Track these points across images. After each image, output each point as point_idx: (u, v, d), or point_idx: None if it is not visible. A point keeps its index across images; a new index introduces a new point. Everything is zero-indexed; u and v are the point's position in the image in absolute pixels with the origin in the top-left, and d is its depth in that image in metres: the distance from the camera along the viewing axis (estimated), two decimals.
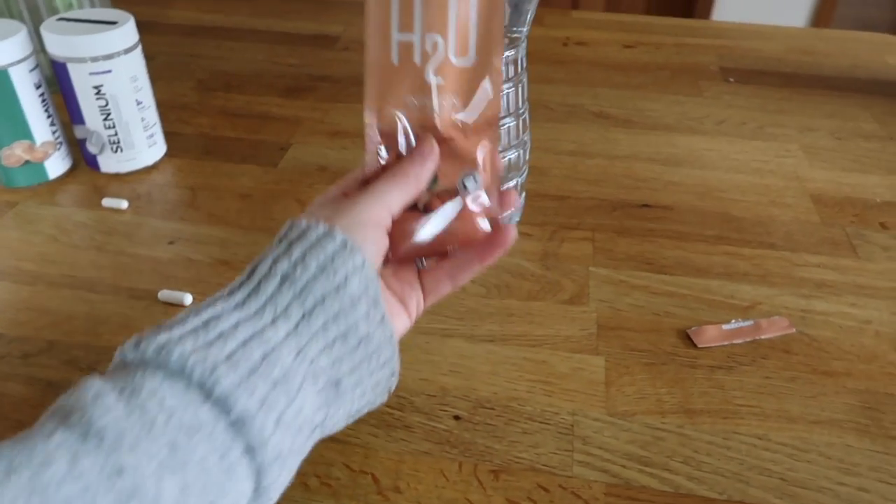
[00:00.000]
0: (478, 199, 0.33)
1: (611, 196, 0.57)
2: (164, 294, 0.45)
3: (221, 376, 0.25)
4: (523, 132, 0.48)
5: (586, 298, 0.47)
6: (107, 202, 0.54)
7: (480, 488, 0.35)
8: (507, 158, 0.47)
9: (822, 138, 0.67)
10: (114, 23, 0.53)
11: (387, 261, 0.33)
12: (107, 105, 0.54)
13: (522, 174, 0.50)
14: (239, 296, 0.28)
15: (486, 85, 0.32)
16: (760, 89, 0.76)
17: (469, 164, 0.33)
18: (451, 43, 0.31)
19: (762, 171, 0.61)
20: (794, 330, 0.44)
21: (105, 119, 0.54)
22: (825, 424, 0.39)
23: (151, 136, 0.58)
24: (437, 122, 0.32)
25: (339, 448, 0.37)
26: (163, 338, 0.26)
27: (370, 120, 0.32)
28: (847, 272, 0.50)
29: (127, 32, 0.53)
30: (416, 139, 0.33)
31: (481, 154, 0.33)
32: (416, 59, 0.31)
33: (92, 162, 0.57)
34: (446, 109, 0.32)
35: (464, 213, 0.33)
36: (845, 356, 0.43)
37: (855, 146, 0.66)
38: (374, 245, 0.30)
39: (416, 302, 0.35)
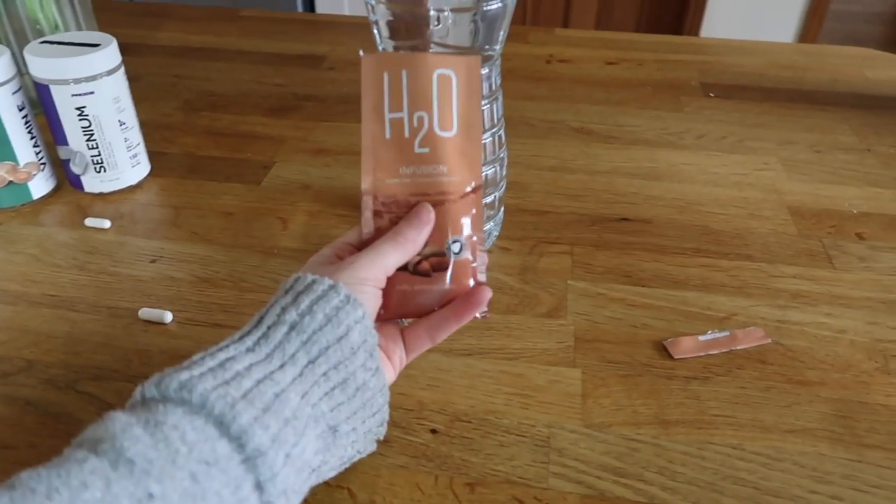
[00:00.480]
0: (462, 262, 0.36)
1: (590, 210, 0.58)
2: (145, 312, 0.46)
3: (240, 412, 0.27)
4: (499, 148, 0.49)
5: (564, 311, 0.47)
6: (90, 222, 0.54)
7: (456, 501, 0.35)
8: (484, 174, 0.48)
9: (801, 151, 0.68)
10: (96, 45, 0.53)
11: (376, 318, 0.36)
12: (90, 126, 0.54)
13: (500, 189, 0.50)
14: (249, 341, 0.31)
15: (470, 154, 0.36)
16: (741, 104, 0.77)
17: (455, 229, 0.36)
18: (436, 117, 0.35)
19: (741, 185, 0.62)
20: (769, 340, 0.45)
21: (88, 140, 0.55)
22: (799, 433, 0.39)
23: (135, 156, 0.58)
24: (427, 189, 0.35)
25: None
26: (184, 376, 0.28)
27: (366, 188, 0.35)
28: (823, 282, 0.50)
29: (109, 54, 0.53)
30: (411, 206, 0.36)
31: (467, 219, 0.36)
32: (406, 133, 0.35)
33: (76, 182, 0.57)
34: (433, 177, 0.35)
35: (445, 276, 0.36)
36: (819, 366, 0.43)
37: (833, 159, 0.67)
38: (372, 301, 0.33)
39: (400, 357, 0.37)
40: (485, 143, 0.47)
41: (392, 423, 0.39)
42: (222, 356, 0.29)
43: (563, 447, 0.38)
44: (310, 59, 0.87)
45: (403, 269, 0.36)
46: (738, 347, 0.44)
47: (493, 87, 0.46)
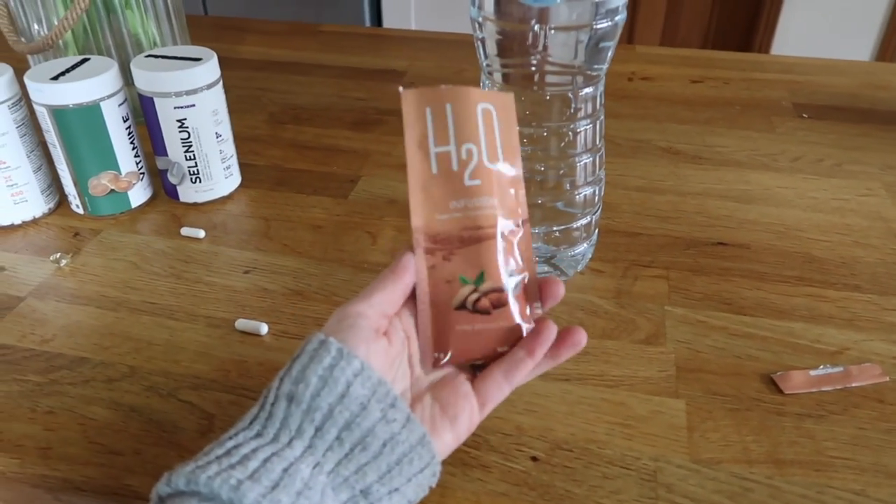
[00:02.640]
0: (520, 298, 0.35)
1: (684, 233, 0.56)
2: (241, 323, 0.46)
3: (246, 492, 0.27)
4: (599, 168, 0.48)
5: (663, 338, 0.45)
6: (185, 231, 0.55)
7: None
8: (582, 195, 0.47)
9: None
10: (198, 59, 0.55)
11: (436, 365, 0.34)
12: (189, 137, 0.56)
13: (597, 211, 0.49)
14: (256, 426, 0.30)
15: (512, 191, 0.35)
16: (836, 125, 0.74)
17: (510, 264, 0.35)
18: (484, 149, 0.34)
19: (843, 210, 0.59)
20: (887, 378, 0.42)
21: (186, 151, 0.56)
22: None
23: (228, 167, 0.59)
24: (480, 222, 0.34)
25: None
26: (189, 467, 0.28)
27: (417, 225, 0.34)
28: None
29: (210, 68, 0.55)
30: (464, 241, 0.34)
31: (518, 254, 0.35)
32: (454, 166, 0.34)
33: (171, 192, 0.59)
34: (485, 210, 0.34)
35: (507, 312, 0.35)
36: None
37: None
38: (366, 344, 0.31)
39: (470, 413, 0.34)
40: (585, 163, 0.46)
41: (490, 448, 0.38)
42: (230, 444, 0.29)
43: (672, 483, 0.36)
44: (390, 73, 0.87)
45: (462, 307, 0.34)
46: (854, 385, 0.42)
47: (598, 107, 0.45)
